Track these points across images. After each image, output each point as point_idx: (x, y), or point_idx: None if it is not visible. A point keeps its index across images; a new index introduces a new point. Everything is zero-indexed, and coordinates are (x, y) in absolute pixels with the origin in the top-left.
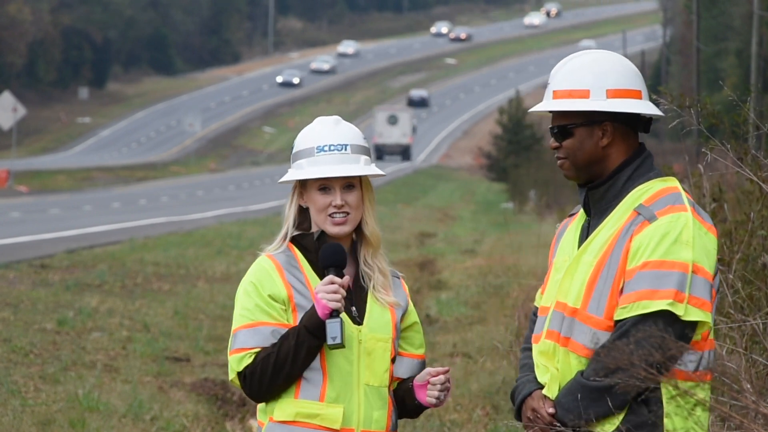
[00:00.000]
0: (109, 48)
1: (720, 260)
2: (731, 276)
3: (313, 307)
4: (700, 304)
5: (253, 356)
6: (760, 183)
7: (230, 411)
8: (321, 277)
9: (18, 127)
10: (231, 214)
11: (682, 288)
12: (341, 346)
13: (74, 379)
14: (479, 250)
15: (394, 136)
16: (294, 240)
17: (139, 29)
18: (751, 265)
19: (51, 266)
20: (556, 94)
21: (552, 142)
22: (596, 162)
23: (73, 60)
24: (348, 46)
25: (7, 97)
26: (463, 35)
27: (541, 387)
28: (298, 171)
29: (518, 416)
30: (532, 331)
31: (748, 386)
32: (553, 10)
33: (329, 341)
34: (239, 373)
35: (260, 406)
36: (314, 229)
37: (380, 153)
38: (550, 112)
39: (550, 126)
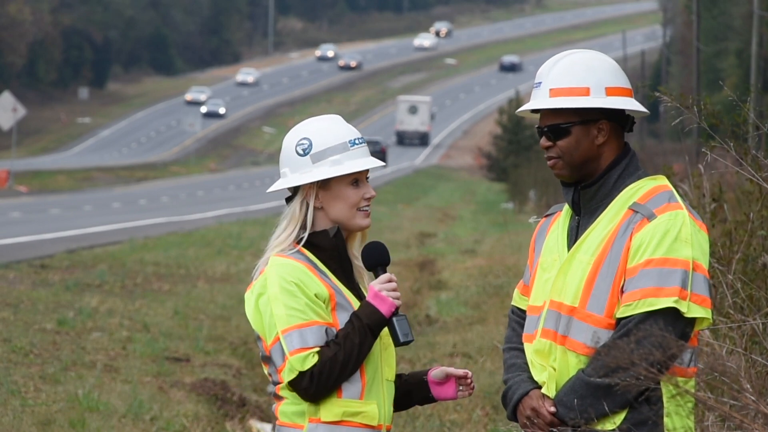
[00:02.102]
0: (110, 48)
1: (720, 260)
2: (731, 276)
3: (368, 305)
4: (701, 300)
5: (317, 355)
6: (761, 182)
7: (230, 411)
8: (337, 275)
9: (18, 127)
10: (231, 214)
11: (685, 285)
12: (412, 341)
13: (74, 379)
14: (479, 250)
15: (414, 123)
16: (299, 241)
17: (139, 29)
18: (751, 265)
19: (51, 266)
20: (554, 92)
21: (543, 141)
22: (591, 161)
23: (73, 60)
24: (248, 75)
25: (7, 97)
26: (353, 63)
27: (538, 386)
28: (337, 167)
29: (513, 417)
30: (514, 330)
31: (748, 386)
32: (443, 30)
33: (401, 338)
34: (302, 373)
35: (293, 409)
36: (326, 226)
37: (401, 139)
38: (535, 111)
39: (538, 126)
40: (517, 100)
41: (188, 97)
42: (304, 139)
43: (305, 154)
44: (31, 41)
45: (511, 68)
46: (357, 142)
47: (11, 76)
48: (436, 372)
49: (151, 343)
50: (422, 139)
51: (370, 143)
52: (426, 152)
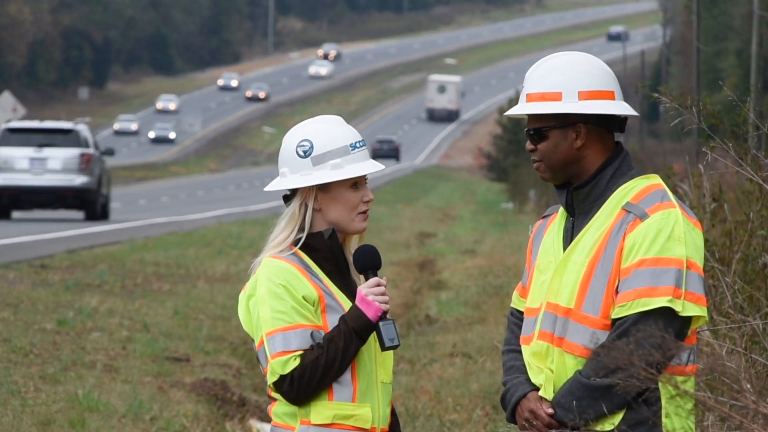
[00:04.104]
0: (110, 48)
1: (720, 260)
2: (731, 276)
3: (356, 308)
4: (696, 299)
5: (298, 359)
6: (761, 182)
7: (230, 411)
8: (331, 277)
9: None
10: (231, 214)
11: (679, 284)
12: (398, 346)
13: (74, 379)
14: (479, 250)
15: (442, 102)
16: (295, 243)
17: (139, 29)
18: (751, 265)
19: (51, 266)
20: (530, 97)
21: (528, 144)
22: (571, 163)
23: (73, 60)
24: (168, 101)
25: (7, 97)
26: (261, 94)
27: (536, 388)
28: (338, 171)
29: (512, 419)
30: (513, 332)
31: (748, 386)
32: (332, 53)
33: (387, 343)
34: (283, 376)
35: (284, 410)
36: (323, 228)
37: (431, 116)
38: (526, 115)
39: (526, 129)
40: (517, 101)
41: (116, 126)
42: (305, 140)
43: (306, 156)
44: (31, 41)
45: (618, 37)
46: (358, 145)
47: (11, 76)
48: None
49: (151, 343)
50: (450, 116)
51: (384, 142)
52: (451, 127)
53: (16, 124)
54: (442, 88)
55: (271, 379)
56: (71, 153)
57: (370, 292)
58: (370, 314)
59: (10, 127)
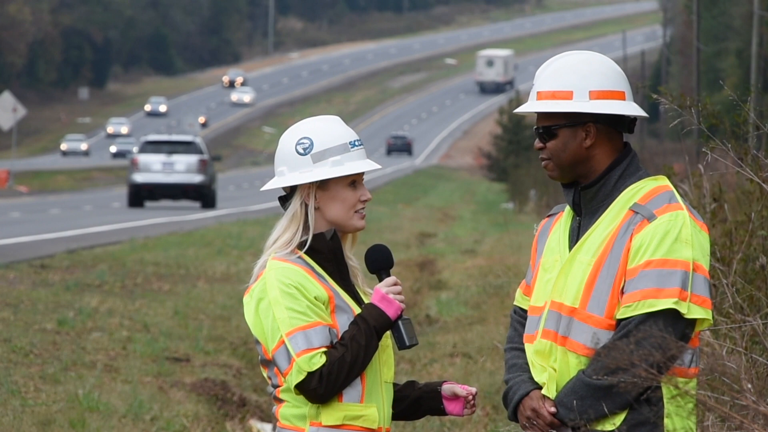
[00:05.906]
0: (109, 48)
1: (720, 260)
2: (731, 276)
3: (374, 307)
4: (701, 301)
5: (324, 355)
6: (761, 183)
7: (230, 411)
8: (334, 277)
9: (18, 127)
10: (231, 214)
11: (686, 286)
12: (416, 344)
13: (74, 379)
14: (479, 250)
15: (491, 75)
16: (300, 245)
17: (139, 29)
18: (751, 265)
19: (51, 266)
20: (540, 95)
21: (537, 142)
22: (580, 162)
23: (73, 60)
24: (120, 124)
25: (7, 97)
26: (201, 119)
27: (538, 386)
28: (339, 167)
29: (514, 417)
30: (516, 330)
31: (749, 386)
32: (238, 80)
33: (407, 341)
34: (311, 374)
35: (293, 412)
36: (322, 228)
37: (482, 88)
38: (535, 112)
39: (535, 127)
40: (517, 100)
41: (63, 146)
42: (305, 138)
43: (306, 153)
44: (31, 41)
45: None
46: (356, 143)
47: (11, 76)
48: (446, 387)
49: (151, 343)
50: (498, 88)
51: (398, 138)
52: (499, 98)
53: (152, 137)
54: (490, 62)
55: (297, 378)
56: (192, 158)
57: (391, 291)
58: (391, 312)
59: (148, 140)
